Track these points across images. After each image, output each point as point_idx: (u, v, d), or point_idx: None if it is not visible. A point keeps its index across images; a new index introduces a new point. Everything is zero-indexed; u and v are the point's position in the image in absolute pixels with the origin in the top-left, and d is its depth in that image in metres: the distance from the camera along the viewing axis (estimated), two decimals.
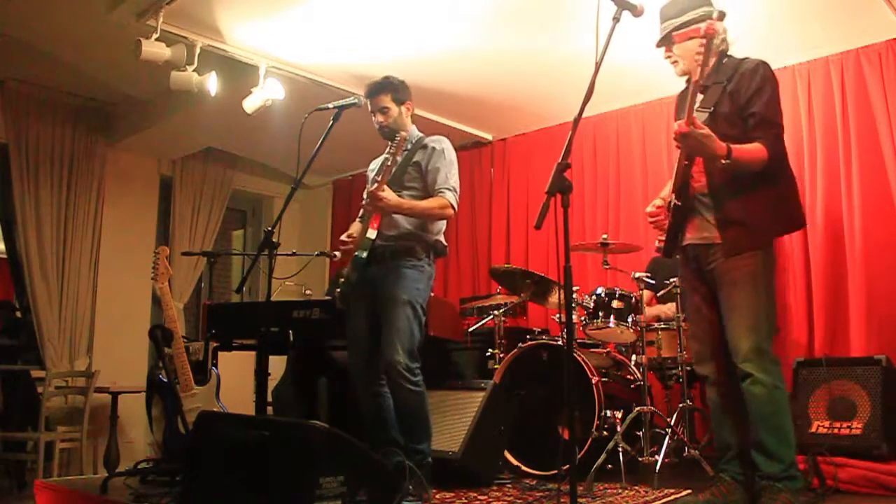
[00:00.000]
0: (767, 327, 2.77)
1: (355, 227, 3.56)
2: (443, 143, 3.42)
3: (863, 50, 4.46)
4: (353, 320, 3.39)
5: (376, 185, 3.19)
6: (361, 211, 3.63)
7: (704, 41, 2.60)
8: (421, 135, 3.51)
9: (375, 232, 3.26)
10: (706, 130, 2.64)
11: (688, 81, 3.08)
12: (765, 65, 2.84)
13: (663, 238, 2.94)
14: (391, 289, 3.24)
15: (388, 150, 3.44)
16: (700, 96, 2.84)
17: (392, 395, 3.27)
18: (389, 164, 3.21)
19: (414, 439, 3.22)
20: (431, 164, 3.36)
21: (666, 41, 2.95)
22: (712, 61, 2.87)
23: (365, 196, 3.34)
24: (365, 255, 3.24)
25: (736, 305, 2.76)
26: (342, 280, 3.34)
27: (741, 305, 2.75)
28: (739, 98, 2.79)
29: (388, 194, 3.19)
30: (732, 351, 2.76)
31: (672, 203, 2.87)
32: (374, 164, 3.62)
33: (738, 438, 2.84)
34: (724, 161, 2.65)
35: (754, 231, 2.77)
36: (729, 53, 2.94)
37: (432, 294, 3.56)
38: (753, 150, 2.70)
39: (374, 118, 3.46)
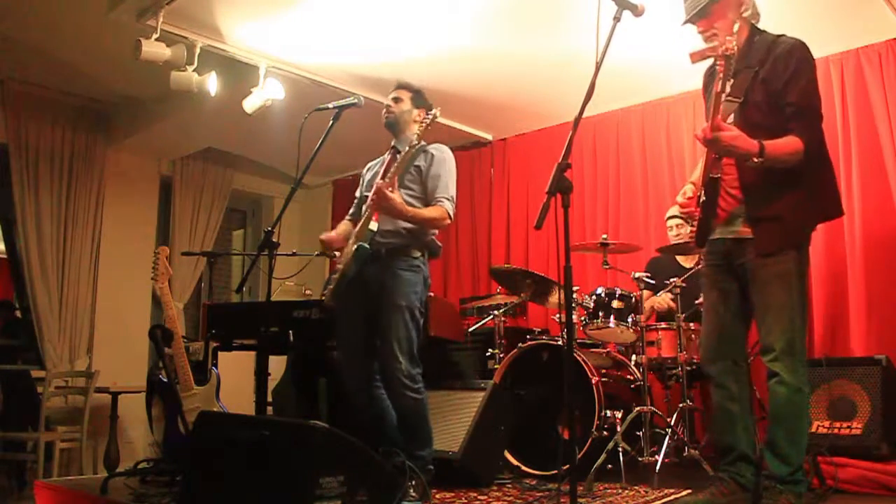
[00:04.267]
0: (801, 328, 2.71)
1: (344, 229, 3.54)
2: (444, 152, 3.44)
3: (863, 50, 4.46)
4: (346, 320, 3.36)
5: (386, 181, 3.16)
6: (353, 209, 3.63)
7: (722, 61, 2.44)
8: (423, 142, 3.46)
9: (377, 224, 3.23)
10: (734, 131, 2.54)
11: (716, 59, 2.88)
12: (802, 46, 2.69)
13: (694, 229, 2.84)
14: (389, 294, 3.22)
15: (389, 152, 3.48)
16: (728, 84, 2.63)
17: (393, 402, 3.25)
18: (397, 166, 3.18)
19: (415, 445, 3.21)
20: (433, 170, 3.36)
21: (702, 15, 2.75)
22: (744, 36, 2.74)
23: (371, 192, 3.31)
24: (368, 245, 3.20)
25: (769, 305, 2.70)
26: (336, 276, 3.30)
27: (774, 305, 2.68)
28: (773, 85, 2.65)
29: (397, 196, 3.17)
30: (763, 349, 2.71)
31: (700, 198, 2.76)
32: (372, 165, 3.63)
33: (741, 440, 2.82)
34: (756, 160, 2.55)
35: (788, 227, 2.67)
36: (761, 29, 2.81)
37: (431, 294, 3.55)
38: (788, 144, 2.58)
39: (385, 104, 3.48)
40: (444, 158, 3.40)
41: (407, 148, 3.27)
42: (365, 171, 3.65)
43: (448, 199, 3.33)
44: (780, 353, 2.66)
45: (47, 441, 5.03)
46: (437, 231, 3.44)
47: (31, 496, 3.78)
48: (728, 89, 2.76)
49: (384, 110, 3.47)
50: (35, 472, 4.92)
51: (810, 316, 4.44)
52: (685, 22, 2.85)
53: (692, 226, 2.88)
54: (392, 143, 3.52)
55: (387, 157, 3.52)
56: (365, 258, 3.20)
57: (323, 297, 3.38)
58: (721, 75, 2.47)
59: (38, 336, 5.67)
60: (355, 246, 3.21)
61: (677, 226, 4.46)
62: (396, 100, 3.47)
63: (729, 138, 2.53)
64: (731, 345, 2.85)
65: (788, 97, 2.64)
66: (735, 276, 2.83)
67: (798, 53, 2.67)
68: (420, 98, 3.51)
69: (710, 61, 2.90)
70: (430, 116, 3.19)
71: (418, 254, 3.33)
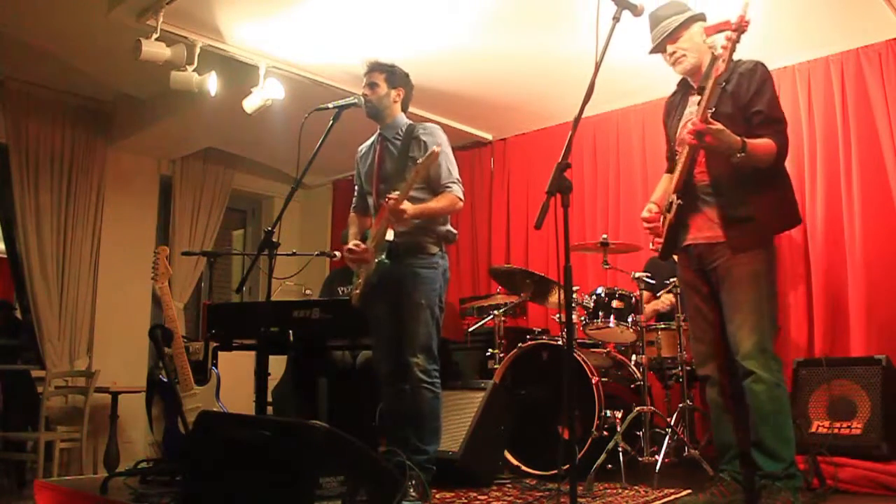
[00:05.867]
0: (770, 326, 2.78)
1: (357, 229, 3.55)
2: (436, 136, 3.39)
3: (863, 50, 4.45)
4: (374, 320, 3.39)
5: (394, 199, 3.13)
6: (355, 201, 3.62)
7: (735, 33, 2.57)
8: (409, 122, 3.47)
9: (393, 233, 3.23)
10: (719, 125, 2.65)
11: (679, 84, 3.12)
12: (762, 65, 2.87)
13: (660, 241, 2.95)
14: (409, 292, 3.25)
15: (378, 140, 3.46)
16: (697, 97, 2.84)
17: (410, 395, 3.27)
18: (408, 181, 3.15)
19: (423, 439, 3.23)
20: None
21: (670, 38, 2.94)
22: (706, 64, 2.91)
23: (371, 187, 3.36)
24: (385, 257, 3.20)
25: (739, 304, 2.77)
26: (360, 281, 3.34)
27: (744, 304, 2.76)
28: (741, 98, 2.81)
29: (408, 206, 3.15)
30: (734, 349, 2.77)
31: (674, 203, 2.86)
32: (363, 153, 3.59)
33: (739, 438, 2.84)
34: (739, 155, 2.66)
35: (760, 227, 2.78)
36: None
37: None
38: (764, 144, 2.72)
39: (361, 93, 3.44)
40: (436, 143, 3.33)
41: (398, 133, 3.37)
42: (358, 158, 3.61)
43: (454, 183, 3.33)
44: (752, 350, 2.72)
45: (47, 441, 5.02)
46: (449, 218, 3.44)
47: (30, 496, 3.77)
48: (678, 99, 3.05)
49: (363, 100, 3.42)
50: (35, 471, 4.92)
51: (811, 315, 4.44)
52: (652, 50, 3.03)
53: (656, 241, 2.98)
54: (378, 131, 3.50)
55: (377, 145, 3.49)
56: (384, 269, 3.21)
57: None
58: (727, 53, 2.60)
59: (38, 336, 5.66)
60: (376, 260, 3.22)
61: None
62: (372, 86, 3.41)
63: (717, 130, 2.64)
64: (721, 344, 2.88)
65: (756, 106, 2.80)
66: (708, 280, 2.92)
67: (760, 70, 2.86)
68: (394, 76, 3.44)
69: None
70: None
71: (435, 249, 3.34)
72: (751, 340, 2.73)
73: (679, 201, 2.85)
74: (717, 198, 2.83)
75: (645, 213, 3.03)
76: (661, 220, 2.96)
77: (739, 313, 2.77)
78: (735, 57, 2.87)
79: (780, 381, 2.74)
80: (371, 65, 3.45)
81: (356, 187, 3.64)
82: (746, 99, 2.80)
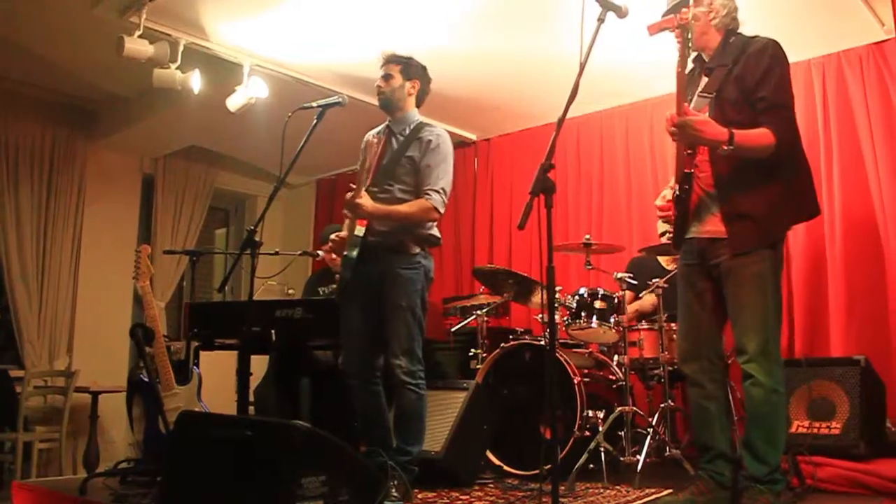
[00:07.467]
0: (774, 329, 2.72)
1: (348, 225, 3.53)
2: (439, 138, 3.35)
3: (844, 53, 4.50)
4: (348, 317, 3.33)
5: (351, 193, 3.13)
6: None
7: (680, 32, 2.50)
8: (420, 120, 3.43)
9: (363, 229, 3.20)
10: (700, 116, 2.57)
11: (695, 60, 2.96)
12: (774, 44, 2.71)
13: (672, 230, 2.89)
14: (390, 294, 3.20)
15: (384, 132, 3.42)
16: (704, 80, 2.75)
17: (395, 396, 3.25)
18: (371, 169, 3.12)
19: (406, 441, 3.21)
20: (424, 160, 3.29)
21: (674, 11, 2.77)
22: (718, 40, 2.81)
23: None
24: (355, 253, 3.18)
25: (743, 306, 2.71)
26: (337, 277, 3.30)
27: (748, 306, 2.69)
28: (746, 82, 2.67)
29: (365, 201, 3.13)
30: (738, 351, 2.73)
31: (675, 194, 2.78)
32: (370, 142, 3.50)
33: (718, 438, 2.83)
34: (726, 147, 2.55)
35: (763, 225, 2.67)
36: (738, 32, 2.85)
37: None
38: (759, 135, 2.59)
39: (376, 83, 3.41)
40: (437, 146, 3.31)
41: (405, 130, 3.33)
42: (363, 146, 3.51)
43: (435, 191, 3.26)
44: (754, 354, 2.68)
45: (26, 441, 4.98)
46: (435, 223, 3.37)
47: (8, 497, 3.73)
48: (694, 76, 2.87)
49: (376, 89, 3.39)
50: (13, 472, 4.88)
51: (791, 316, 4.48)
52: (665, 15, 2.88)
53: (671, 229, 2.90)
54: (387, 122, 3.45)
55: (382, 136, 3.43)
56: (352, 266, 3.18)
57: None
58: (680, 49, 2.51)
59: (16, 335, 5.62)
60: (344, 253, 3.19)
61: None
62: (386, 77, 3.37)
63: (696, 122, 2.56)
64: (706, 344, 2.85)
65: (761, 92, 2.66)
66: (709, 276, 2.84)
67: (771, 51, 2.70)
68: (410, 68, 3.40)
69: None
70: None
71: (417, 249, 3.27)
72: (754, 344, 2.67)
73: (679, 193, 2.76)
74: (719, 191, 2.73)
75: (658, 201, 2.96)
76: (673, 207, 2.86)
77: (743, 316, 2.71)
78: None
79: (779, 387, 2.68)
80: (387, 56, 3.41)
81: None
82: (752, 84, 2.65)
